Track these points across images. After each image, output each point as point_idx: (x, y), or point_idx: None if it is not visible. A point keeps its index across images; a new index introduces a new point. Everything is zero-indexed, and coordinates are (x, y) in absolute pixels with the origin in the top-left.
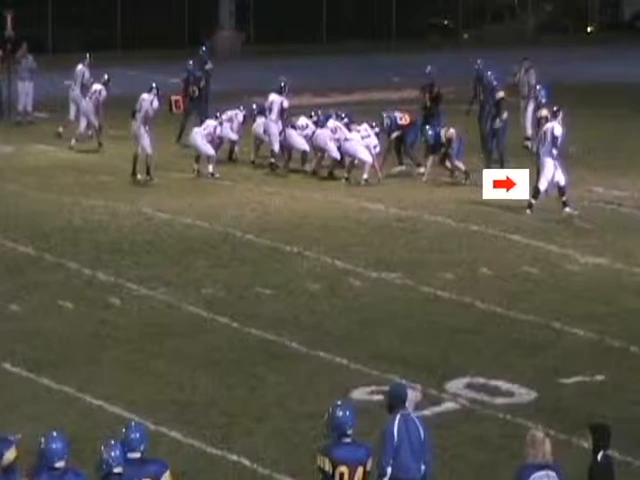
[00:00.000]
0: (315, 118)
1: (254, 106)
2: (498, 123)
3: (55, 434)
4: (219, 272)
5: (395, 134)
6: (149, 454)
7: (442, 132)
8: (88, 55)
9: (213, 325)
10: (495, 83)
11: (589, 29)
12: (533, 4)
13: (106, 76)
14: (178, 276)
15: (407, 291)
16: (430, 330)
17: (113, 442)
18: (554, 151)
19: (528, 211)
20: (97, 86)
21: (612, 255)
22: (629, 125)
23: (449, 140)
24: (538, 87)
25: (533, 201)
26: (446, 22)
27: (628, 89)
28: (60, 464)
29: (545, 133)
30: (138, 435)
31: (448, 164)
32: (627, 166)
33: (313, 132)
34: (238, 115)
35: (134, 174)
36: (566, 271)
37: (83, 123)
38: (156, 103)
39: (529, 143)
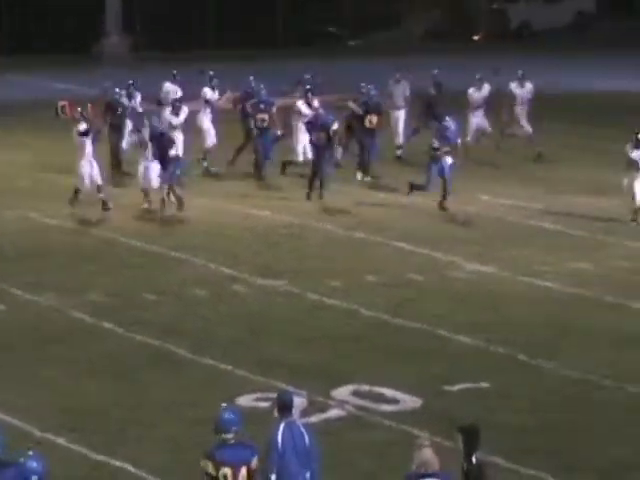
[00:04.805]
0: None
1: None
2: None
3: None
4: (105, 278)
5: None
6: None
7: None
8: None
9: (99, 331)
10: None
11: (475, 37)
12: (421, 11)
13: None
14: (64, 282)
15: (293, 298)
16: (316, 337)
17: None
18: None
19: None
20: None
21: (498, 263)
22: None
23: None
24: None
25: None
26: (332, 29)
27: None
28: None
29: None
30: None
31: None
32: (510, 176)
33: None
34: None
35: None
36: (452, 278)
37: None
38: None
39: (400, 152)
